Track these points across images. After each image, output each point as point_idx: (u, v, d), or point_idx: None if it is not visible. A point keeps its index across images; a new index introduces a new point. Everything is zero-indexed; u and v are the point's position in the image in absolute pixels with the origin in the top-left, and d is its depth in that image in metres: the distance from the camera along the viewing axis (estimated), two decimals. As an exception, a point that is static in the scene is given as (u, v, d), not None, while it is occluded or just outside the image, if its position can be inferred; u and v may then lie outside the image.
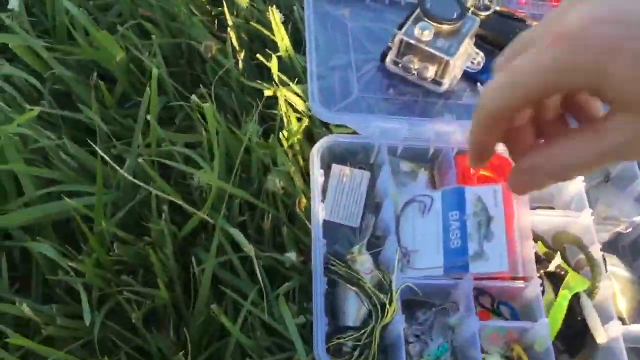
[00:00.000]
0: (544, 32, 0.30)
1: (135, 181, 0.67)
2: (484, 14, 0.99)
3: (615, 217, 0.85)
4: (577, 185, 0.84)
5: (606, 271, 0.78)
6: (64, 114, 0.80)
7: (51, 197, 0.75)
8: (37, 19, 0.96)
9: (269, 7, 0.93)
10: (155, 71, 0.68)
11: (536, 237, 0.80)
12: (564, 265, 0.78)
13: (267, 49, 0.99)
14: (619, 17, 0.27)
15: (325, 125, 0.86)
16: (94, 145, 0.70)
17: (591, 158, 0.30)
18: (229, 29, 0.89)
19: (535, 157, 0.32)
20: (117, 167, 0.70)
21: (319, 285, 0.71)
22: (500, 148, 0.84)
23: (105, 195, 0.73)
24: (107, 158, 0.68)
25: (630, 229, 0.83)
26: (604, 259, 0.78)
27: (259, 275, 0.66)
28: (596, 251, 0.78)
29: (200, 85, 0.93)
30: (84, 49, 0.82)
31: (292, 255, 0.75)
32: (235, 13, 0.96)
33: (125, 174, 0.69)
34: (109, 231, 0.70)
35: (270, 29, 0.94)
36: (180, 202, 0.69)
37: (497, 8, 1.01)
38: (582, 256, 0.80)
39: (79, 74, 0.88)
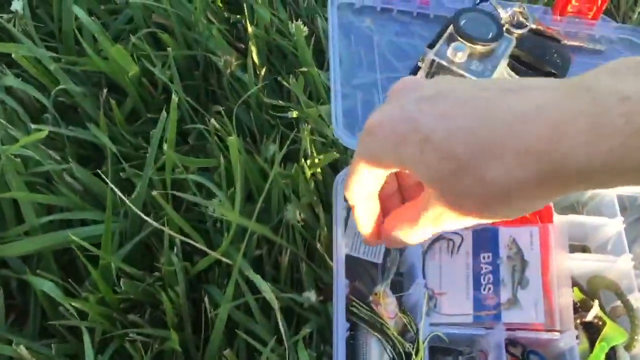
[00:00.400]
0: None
1: (147, 219, 0.62)
2: (518, 32, 0.93)
3: (654, 260, 0.80)
4: (615, 227, 0.78)
5: (646, 322, 0.73)
6: (69, 133, 0.74)
7: (53, 224, 0.70)
8: (42, 22, 0.90)
9: (292, 18, 0.87)
10: (175, 98, 0.62)
11: (573, 283, 0.74)
12: (602, 315, 0.73)
13: (285, 59, 0.93)
14: (407, 117, 0.34)
15: (348, 150, 0.80)
16: (102, 174, 0.64)
17: (422, 225, 0.37)
18: (250, 43, 0.83)
19: (386, 223, 0.41)
20: (126, 199, 0.64)
21: (339, 332, 0.66)
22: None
23: (112, 224, 0.67)
24: (115, 189, 0.62)
25: (671, 275, 0.78)
26: (645, 309, 0.73)
27: (280, 323, 0.61)
28: (635, 300, 0.73)
29: (216, 101, 0.88)
30: (94, 61, 0.76)
31: (311, 296, 0.70)
32: (255, 22, 0.89)
33: (134, 208, 0.63)
34: (115, 266, 0.64)
35: (291, 41, 0.88)
36: (196, 243, 0.63)
37: (533, 26, 0.95)
38: (618, 303, 0.75)
39: (86, 85, 0.82)
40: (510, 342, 0.71)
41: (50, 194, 0.69)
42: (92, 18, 0.77)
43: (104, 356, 0.62)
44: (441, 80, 0.37)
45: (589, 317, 0.72)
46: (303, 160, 0.73)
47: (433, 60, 0.82)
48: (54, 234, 0.66)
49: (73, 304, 0.61)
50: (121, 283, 0.64)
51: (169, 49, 0.79)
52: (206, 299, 0.67)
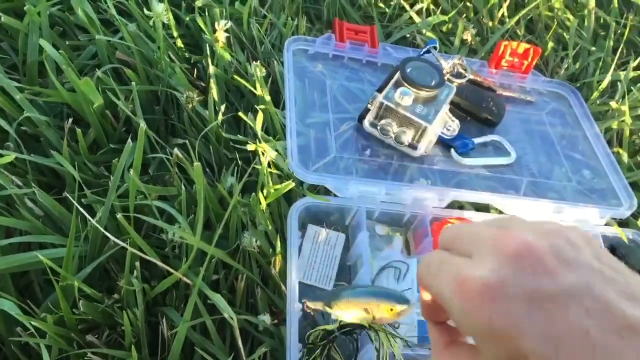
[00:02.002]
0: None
1: (112, 238, 0.64)
2: (458, 81, 1.02)
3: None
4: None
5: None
6: (32, 159, 0.76)
7: (12, 247, 0.71)
8: (6, 54, 0.92)
9: (250, 60, 0.93)
10: (142, 127, 0.66)
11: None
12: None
13: (243, 98, 0.98)
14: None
15: (303, 184, 0.85)
16: (68, 195, 0.67)
17: None
18: (211, 81, 0.88)
19: None
20: (90, 218, 0.66)
21: (293, 354, 0.69)
22: (472, 216, 0.85)
23: (72, 249, 0.69)
24: (80, 209, 0.65)
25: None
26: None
27: (239, 342, 0.64)
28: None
29: (175, 135, 0.91)
30: (59, 92, 0.79)
31: (266, 319, 0.73)
32: (215, 63, 0.95)
33: (100, 227, 0.65)
34: (77, 288, 0.66)
35: (249, 81, 0.94)
36: (157, 262, 0.66)
37: (471, 76, 1.04)
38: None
39: (48, 116, 0.84)
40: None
41: (11, 217, 0.71)
42: (60, 51, 0.81)
43: (61, 376, 0.63)
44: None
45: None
46: (260, 190, 0.77)
47: (382, 103, 0.89)
48: (14, 256, 0.67)
49: (32, 322, 0.62)
50: (80, 304, 0.66)
51: (133, 83, 0.83)
52: (164, 320, 0.69)
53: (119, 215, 0.64)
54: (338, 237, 0.85)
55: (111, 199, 0.71)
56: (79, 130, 0.76)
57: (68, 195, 0.67)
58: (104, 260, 0.72)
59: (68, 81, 0.83)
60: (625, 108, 1.10)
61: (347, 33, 1.09)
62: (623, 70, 1.23)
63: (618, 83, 1.19)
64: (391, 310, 0.66)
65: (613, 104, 1.14)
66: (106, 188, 0.76)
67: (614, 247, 0.92)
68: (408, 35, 1.21)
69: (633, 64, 1.21)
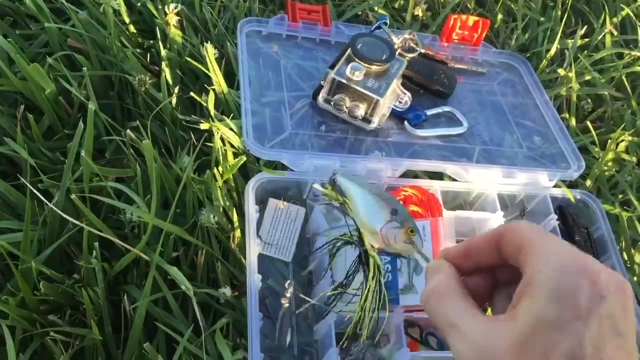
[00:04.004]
0: None
1: (68, 218, 0.65)
2: (409, 55, 1.05)
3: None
4: (497, 220, 0.89)
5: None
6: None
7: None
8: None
9: (204, 43, 0.94)
10: (92, 107, 0.67)
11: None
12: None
13: (198, 80, 0.99)
14: None
15: (259, 160, 0.87)
16: (22, 179, 0.67)
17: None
18: (163, 64, 0.89)
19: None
20: (47, 202, 0.67)
21: (254, 324, 0.71)
22: (426, 183, 0.88)
23: (30, 231, 0.70)
24: (37, 193, 0.66)
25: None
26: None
27: (197, 313, 0.65)
28: (516, 282, 0.83)
29: (131, 118, 0.92)
30: (11, 81, 0.79)
31: (226, 291, 0.75)
32: (168, 46, 0.96)
33: (56, 209, 0.66)
34: (36, 269, 0.67)
35: (203, 63, 0.95)
36: (114, 239, 0.67)
37: (422, 50, 1.07)
38: (502, 287, 0.85)
39: (2, 105, 0.84)
40: (409, 324, 0.79)
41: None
42: (9, 40, 0.81)
43: (25, 354, 0.64)
44: None
45: (476, 298, 0.81)
46: (215, 167, 0.79)
47: (334, 79, 0.91)
48: (-28, 241, 0.68)
49: (-6, 305, 0.63)
50: (41, 285, 0.67)
51: (85, 68, 0.84)
52: (125, 298, 0.70)
53: (74, 196, 0.65)
54: (298, 210, 0.87)
55: (66, 182, 0.72)
56: (31, 117, 0.77)
57: (23, 179, 0.68)
58: (64, 243, 0.74)
59: (20, 70, 0.84)
60: (572, 75, 1.14)
61: (300, 13, 1.10)
62: (571, 38, 1.26)
63: (565, 51, 1.23)
64: (411, 232, 0.62)
65: (561, 71, 1.18)
66: (62, 173, 0.77)
67: (563, 208, 0.96)
68: (360, 13, 1.23)
69: (580, 32, 1.25)
